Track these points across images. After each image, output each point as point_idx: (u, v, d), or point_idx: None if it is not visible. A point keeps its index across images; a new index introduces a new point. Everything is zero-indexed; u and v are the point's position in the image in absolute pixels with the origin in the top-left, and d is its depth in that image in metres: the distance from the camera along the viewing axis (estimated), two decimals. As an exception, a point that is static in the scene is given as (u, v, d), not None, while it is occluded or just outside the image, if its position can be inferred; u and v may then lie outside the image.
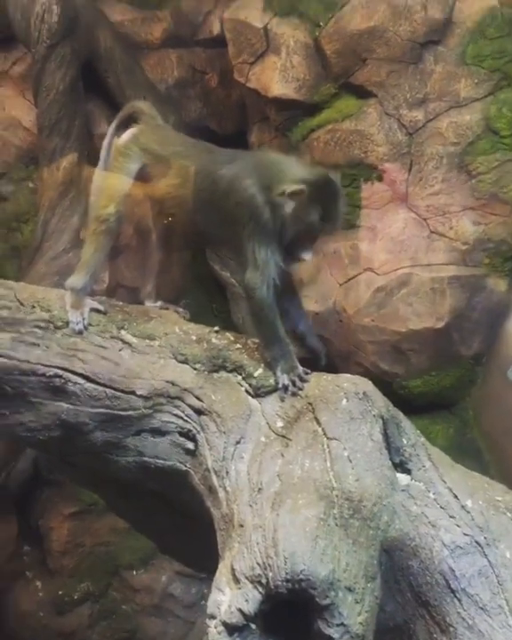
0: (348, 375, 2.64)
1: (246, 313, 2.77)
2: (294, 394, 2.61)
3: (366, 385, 2.57)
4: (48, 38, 4.09)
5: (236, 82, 4.21)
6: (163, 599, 4.24)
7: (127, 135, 2.92)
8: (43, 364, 2.74)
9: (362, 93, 3.99)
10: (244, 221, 2.67)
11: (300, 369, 2.66)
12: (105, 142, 2.98)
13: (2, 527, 4.26)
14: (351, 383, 2.56)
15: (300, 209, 2.67)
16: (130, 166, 2.88)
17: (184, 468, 2.66)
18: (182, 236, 3.00)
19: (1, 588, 4.27)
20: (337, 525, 2.23)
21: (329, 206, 2.70)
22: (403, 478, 2.50)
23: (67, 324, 2.79)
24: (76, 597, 4.24)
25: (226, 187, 2.73)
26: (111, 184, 2.90)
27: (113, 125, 2.99)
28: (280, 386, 2.63)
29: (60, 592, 4.24)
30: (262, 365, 2.67)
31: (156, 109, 3.72)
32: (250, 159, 2.83)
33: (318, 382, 2.59)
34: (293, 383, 2.62)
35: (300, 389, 2.61)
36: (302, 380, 2.63)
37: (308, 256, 2.74)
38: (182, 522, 2.91)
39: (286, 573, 2.11)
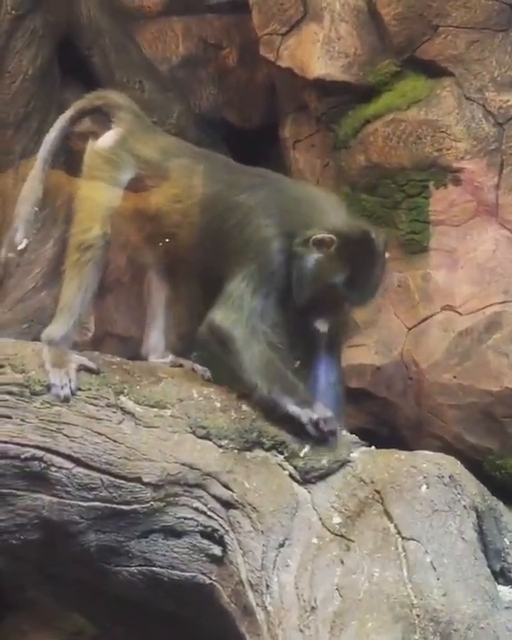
0: (429, 452, 2.71)
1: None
2: (323, 439, 2.69)
3: (453, 466, 2.64)
4: (13, 8, 4.25)
5: (262, 59, 4.33)
6: None
7: (111, 138, 3.07)
8: (16, 443, 2.82)
9: (433, 71, 4.08)
10: (248, 263, 2.83)
11: (320, 403, 2.75)
12: (48, 138, 3.11)
13: (-43, 666, 4.32)
14: (433, 463, 2.63)
15: (323, 264, 2.82)
16: (118, 176, 3.01)
17: (208, 582, 2.73)
18: (188, 265, 3.11)
19: None
20: (419, 656, 2.30)
21: (360, 269, 2.85)
22: (506, 592, 2.55)
23: (47, 388, 2.88)
24: None
25: (240, 218, 2.87)
26: (95, 199, 3.02)
27: (65, 118, 3.13)
28: (305, 422, 2.70)
29: None
30: (311, 442, 2.75)
31: (157, 98, 3.87)
32: (278, 189, 2.97)
33: (388, 463, 2.66)
34: (316, 425, 2.70)
35: (332, 434, 2.68)
36: (328, 423, 2.71)
37: (322, 326, 2.88)
38: (205, 655, 2.97)
39: None
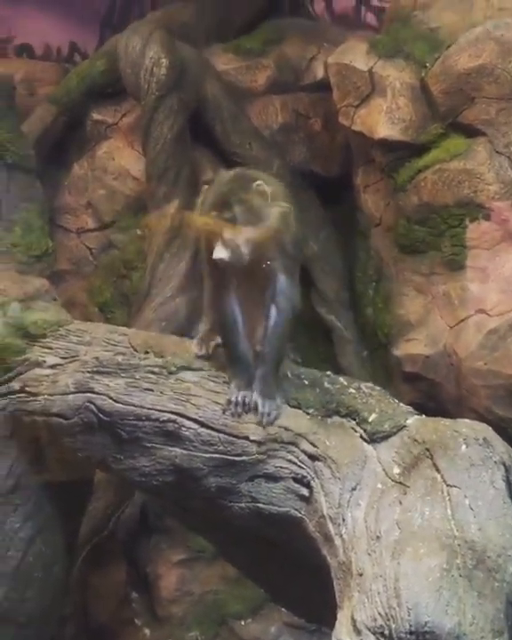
0: (467, 420, 2.63)
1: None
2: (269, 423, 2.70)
3: (486, 430, 2.55)
4: (157, 90, 4.27)
5: (340, 125, 4.28)
6: (272, 651, 4.23)
7: None
8: (157, 409, 2.82)
9: (470, 132, 3.99)
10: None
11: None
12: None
13: (111, 574, 4.34)
14: (470, 428, 2.55)
15: None
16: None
17: (298, 515, 2.68)
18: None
19: (110, 635, 4.34)
20: (461, 576, 2.21)
21: None
22: (528, 528, 2.45)
23: (180, 369, 2.86)
24: (184, 646, 4.26)
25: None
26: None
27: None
28: (264, 411, 2.72)
29: (169, 640, 4.27)
30: (377, 410, 2.68)
31: (262, 155, 3.83)
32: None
33: (436, 427, 2.59)
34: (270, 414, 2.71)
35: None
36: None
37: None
38: (295, 570, 2.92)
39: (410, 625, 2.10)
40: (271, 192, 2.75)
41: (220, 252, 2.67)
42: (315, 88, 4.65)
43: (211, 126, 4.42)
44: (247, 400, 2.73)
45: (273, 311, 2.75)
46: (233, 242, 2.67)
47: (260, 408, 2.72)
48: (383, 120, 4.07)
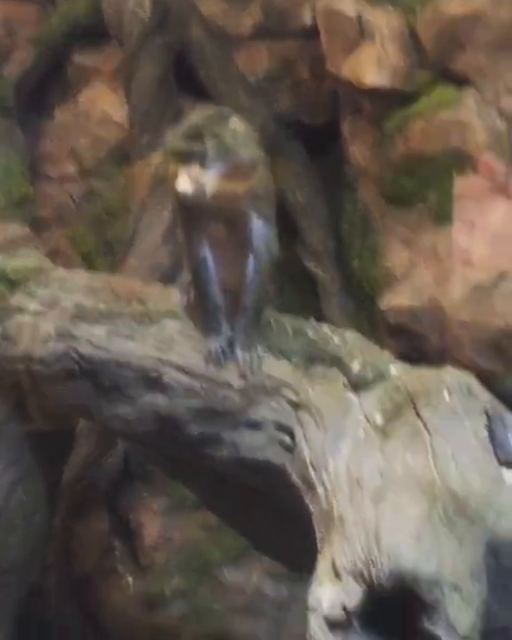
0: (451, 368, 2.61)
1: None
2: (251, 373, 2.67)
3: (470, 379, 2.54)
4: (140, 32, 4.17)
5: (328, 72, 4.21)
6: (254, 598, 4.27)
7: None
8: (139, 357, 2.79)
9: (459, 81, 3.94)
10: None
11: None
12: None
13: (93, 522, 4.36)
14: (454, 377, 2.54)
15: None
16: None
17: (281, 463, 2.67)
18: None
19: (93, 582, 4.37)
20: (441, 523, 2.21)
21: None
22: (510, 477, 2.45)
23: (163, 315, 2.83)
24: (166, 594, 4.30)
25: None
26: None
27: None
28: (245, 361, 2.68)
29: (151, 588, 4.30)
30: (361, 358, 2.67)
31: (247, 103, 3.77)
32: None
33: (419, 376, 2.58)
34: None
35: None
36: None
37: None
38: (278, 518, 2.92)
39: (390, 569, 2.10)
40: (246, 133, 2.65)
41: (184, 184, 2.56)
42: (302, 34, 4.55)
43: (195, 71, 4.33)
44: (227, 349, 2.70)
45: (250, 259, 2.69)
46: (198, 176, 2.56)
47: (240, 359, 2.69)
48: (371, 67, 4.01)
